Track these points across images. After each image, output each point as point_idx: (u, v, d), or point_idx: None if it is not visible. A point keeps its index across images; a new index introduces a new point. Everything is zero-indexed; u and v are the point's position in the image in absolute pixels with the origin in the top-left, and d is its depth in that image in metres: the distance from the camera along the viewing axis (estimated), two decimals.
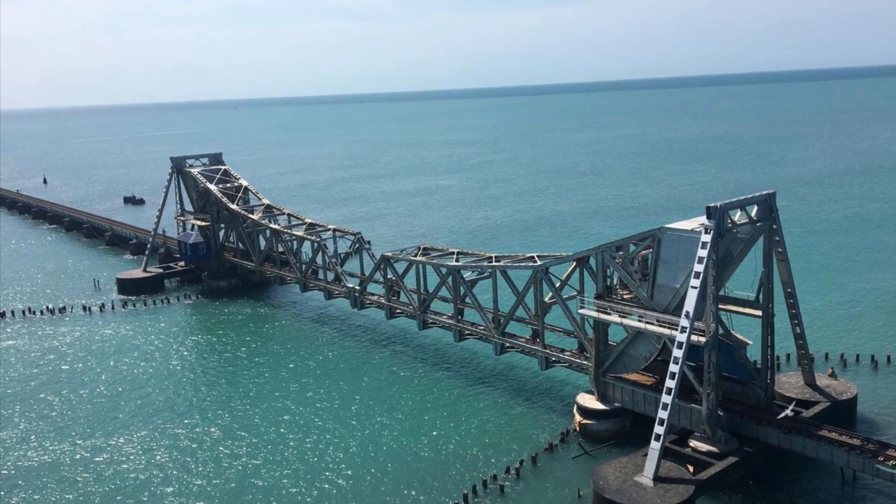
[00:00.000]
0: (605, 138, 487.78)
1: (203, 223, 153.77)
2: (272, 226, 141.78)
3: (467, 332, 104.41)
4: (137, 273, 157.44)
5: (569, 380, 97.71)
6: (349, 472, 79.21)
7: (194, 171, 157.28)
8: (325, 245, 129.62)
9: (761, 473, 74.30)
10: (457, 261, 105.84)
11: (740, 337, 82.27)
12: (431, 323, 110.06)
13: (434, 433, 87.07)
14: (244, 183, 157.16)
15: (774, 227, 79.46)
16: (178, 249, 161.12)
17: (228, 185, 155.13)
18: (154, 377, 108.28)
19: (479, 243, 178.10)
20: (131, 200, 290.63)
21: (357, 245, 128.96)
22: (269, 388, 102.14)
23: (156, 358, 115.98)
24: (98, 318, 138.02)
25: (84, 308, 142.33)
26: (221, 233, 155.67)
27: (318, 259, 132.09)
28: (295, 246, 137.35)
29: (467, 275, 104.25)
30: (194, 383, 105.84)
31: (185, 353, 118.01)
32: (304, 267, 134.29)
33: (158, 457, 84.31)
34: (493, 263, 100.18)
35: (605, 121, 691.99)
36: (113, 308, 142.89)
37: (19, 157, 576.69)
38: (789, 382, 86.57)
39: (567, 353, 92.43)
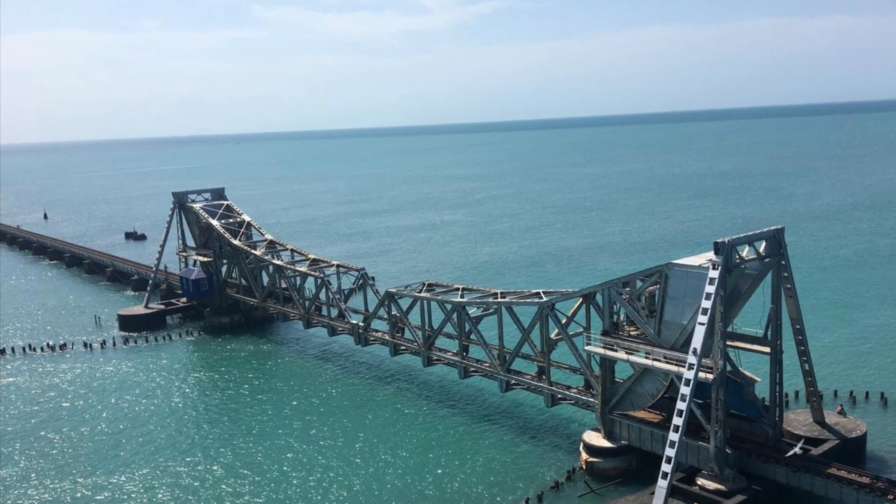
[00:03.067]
0: (612, 173, 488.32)
1: (205, 259, 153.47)
2: (275, 261, 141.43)
3: (472, 368, 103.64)
4: (139, 309, 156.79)
5: (575, 417, 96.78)
6: None
7: (196, 206, 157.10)
8: (328, 281, 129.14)
9: None
10: (462, 297, 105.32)
11: (748, 374, 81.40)
12: (436, 360, 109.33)
13: (439, 471, 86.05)
14: (247, 218, 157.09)
15: (783, 262, 78.93)
16: (180, 285, 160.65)
17: (231, 220, 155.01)
18: (156, 414, 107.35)
19: (484, 279, 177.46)
20: (132, 236, 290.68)
21: (361, 281, 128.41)
22: (272, 426, 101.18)
23: (157, 395, 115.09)
24: (99, 354, 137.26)
25: (85, 345, 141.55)
26: (224, 269, 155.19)
27: (322, 295, 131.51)
28: (298, 282, 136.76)
29: (472, 311, 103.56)
30: (196, 421, 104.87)
31: (187, 391, 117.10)
32: (307, 303, 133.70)
33: (160, 495, 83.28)
34: (499, 300, 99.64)
35: (612, 155, 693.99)
36: (114, 345, 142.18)
37: (19, 192, 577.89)
38: (798, 420, 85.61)
39: (573, 391, 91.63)
